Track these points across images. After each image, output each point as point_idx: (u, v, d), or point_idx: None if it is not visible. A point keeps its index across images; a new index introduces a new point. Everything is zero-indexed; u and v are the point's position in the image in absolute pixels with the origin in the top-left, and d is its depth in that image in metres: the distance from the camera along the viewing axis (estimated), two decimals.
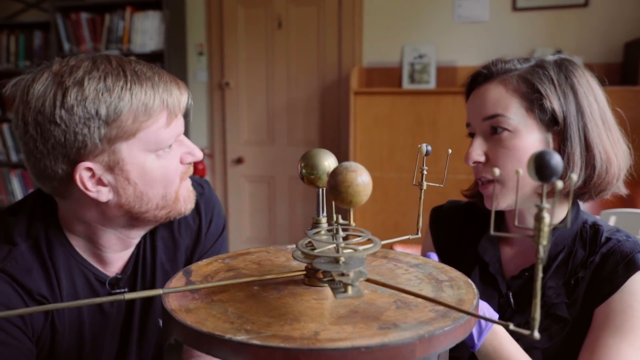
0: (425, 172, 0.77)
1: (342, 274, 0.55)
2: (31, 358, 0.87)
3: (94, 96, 0.80)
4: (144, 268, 1.00)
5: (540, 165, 0.44)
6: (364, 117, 3.13)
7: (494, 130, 0.93)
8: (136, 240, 0.98)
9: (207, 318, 0.56)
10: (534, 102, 0.91)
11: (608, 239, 0.93)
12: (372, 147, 3.14)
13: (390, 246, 1.60)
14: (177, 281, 0.68)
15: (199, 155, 0.94)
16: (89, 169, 0.83)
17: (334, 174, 0.54)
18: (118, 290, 0.97)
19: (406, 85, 3.36)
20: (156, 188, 0.88)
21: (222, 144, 3.86)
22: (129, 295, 0.57)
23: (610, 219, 1.69)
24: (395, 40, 3.41)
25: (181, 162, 0.92)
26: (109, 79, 0.81)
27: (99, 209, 0.89)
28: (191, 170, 0.96)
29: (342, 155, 3.48)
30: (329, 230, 0.67)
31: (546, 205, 0.44)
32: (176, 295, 0.62)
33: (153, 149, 0.86)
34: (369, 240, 0.62)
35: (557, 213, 0.97)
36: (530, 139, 0.92)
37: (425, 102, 3.05)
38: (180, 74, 3.71)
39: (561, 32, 3.14)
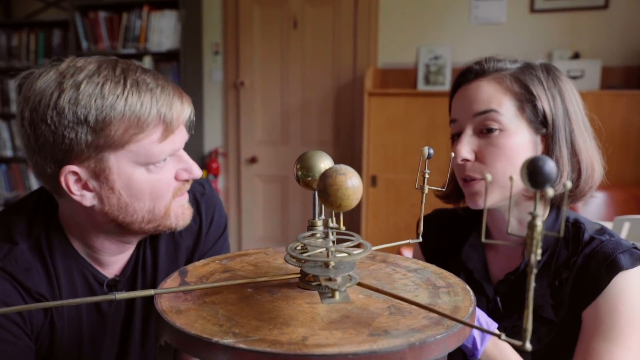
0: (427, 176, 0.75)
1: (329, 279, 0.54)
2: (30, 355, 0.87)
3: (86, 102, 0.79)
4: (145, 270, 0.99)
5: (533, 172, 0.42)
6: (378, 118, 3.11)
7: (485, 128, 0.92)
8: (133, 245, 0.97)
9: (196, 320, 0.55)
10: (525, 102, 0.91)
11: (591, 239, 0.92)
12: (386, 148, 3.12)
13: (398, 250, 1.59)
14: (172, 281, 0.68)
15: (196, 173, 0.90)
16: (75, 172, 0.83)
17: (324, 176, 0.53)
18: (114, 292, 0.96)
19: (421, 86, 3.34)
20: (142, 201, 0.86)
21: (236, 143, 3.87)
22: (120, 295, 0.57)
23: (624, 226, 1.66)
24: (410, 41, 3.39)
25: (176, 178, 0.89)
26: (106, 85, 0.80)
27: (87, 213, 0.88)
28: (187, 186, 0.93)
29: (355, 156, 3.47)
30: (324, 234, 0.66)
31: (539, 213, 0.43)
32: (169, 296, 0.62)
33: (143, 163, 0.84)
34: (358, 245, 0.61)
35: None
36: (520, 139, 0.91)
37: (440, 103, 3.02)
38: (195, 73, 3.74)
39: (579, 35, 3.09)
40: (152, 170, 0.85)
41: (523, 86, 0.92)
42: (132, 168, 0.84)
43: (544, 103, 0.91)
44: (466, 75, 0.97)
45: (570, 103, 0.93)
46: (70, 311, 0.93)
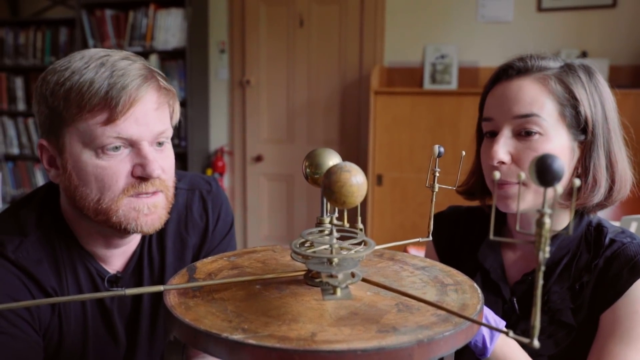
0: (437, 174, 0.75)
1: (331, 276, 0.54)
2: (38, 351, 0.88)
3: (50, 77, 0.84)
4: (151, 266, 0.99)
5: (541, 170, 0.42)
6: (384, 117, 3.11)
7: (524, 131, 0.88)
8: (124, 242, 0.95)
9: (205, 316, 0.56)
10: (567, 106, 0.87)
11: (612, 241, 0.90)
12: (392, 147, 3.12)
13: (404, 248, 1.59)
14: (180, 278, 0.68)
15: (151, 171, 0.83)
16: (45, 147, 0.87)
17: (328, 173, 0.53)
18: (116, 288, 0.93)
19: (427, 85, 3.33)
20: (89, 187, 0.83)
21: (241, 142, 3.88)
22: (130, 291, 0.57)
23: (632, 225, 1.65)
24: (417, 40, 3.38)
25: (132, 174, 0.84)
26: (75, 62, 0.83)
27: (64, 197, 0.91)
28: (146, 187, 0.85)
29: (361, 155, 3.47)
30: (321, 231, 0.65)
31: (548, 210, 0.43)
32: (177, 292, 0.62)
33: (89, 144, 0.82)
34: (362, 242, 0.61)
35: (562, 217, 0.95)
36: (559, 144, 0.88)
37: (447, 102, 3.02)
38: (201, 71, 3.74)
39: (587, 34, 3.08)
40: (101, 157, 0.83)
41: (567, 89, 0.87)
42: (81, 148, 0.83)
43: (586, 108, 0.87)
44: (507, 72, 0.92)
45: (610, 109, 0.89)
46: (76, 306, 0.93)
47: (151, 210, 0.87)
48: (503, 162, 0.89)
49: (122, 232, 0.87)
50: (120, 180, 0.84)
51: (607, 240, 0.91)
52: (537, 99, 0.87)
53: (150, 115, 0.84)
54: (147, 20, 3.63)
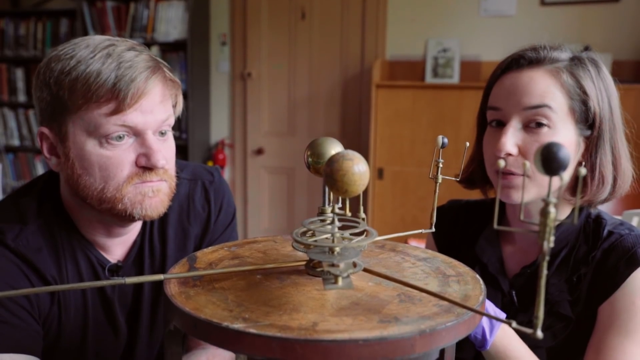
0: (441, 165, 0.75)
1: (332, 265, 0.54)
2: (38, 340, 0.88)
3: (55, 65, 0.83)
4: (152, 256, 0.99)
5: (547, 158, 0.42)
6: (385, 110, 3.10)
7: (533, 123, 0.86)
8: (125, 230, 0.95)
9: (206, 305, 0.55)
10: (577, 100, 0.86)
11: (610, 233, 0.90)
12: (393, 140, 3.11)
13: (405, 240, 1.59)
14: (180, 267, 0.68)
15: (155, 161, 0.84)
16: (46, 134, 0.86)
17: (330, 161, 0.52)
18: (117, 277, 0.92)
19: (429, 79, 3.32)
20: (93, 177, 0.83)
21: (242, 135, 3.87)
22: (130, 280, 0.57)
23: (634, 220, 1.65)
24: (419, 34, 3.37)
25: (136, 164, 0.85)
26: (81, 51, 0.83)
27: (65, 185, 0.90)
28: (150, 175, 0.86)
29: (362, 148, 3.47)
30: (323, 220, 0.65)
31: (553, 199, 0.43)
32: (178, 281, 0.62)
33: (93, 134, 0.82)
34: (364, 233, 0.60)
35: (562, 209, 0.95)
36: (566, 138, 0.86)
37: (448, 96, 3.01)
38: (202, 63, 3.73)
39: (590, 28, 3.07)
40: (105, 146, 0.83)
41: (578, 83, 0.86)
42: (85, 137, 0.83)
43: (595, 103, 0.86)
44: (518, 62, 0.90)
45: (615, 104, 0.88)
46: (76, 295, 0.93)
47: (155, 193, 0.87)
48: (510, 154, 0.88)
49: (127, 219, 0.87)
50: (125, 169, 0.84)
51: (605, 232, 0.90)
52: (549, 91, 0.86)
53: (156, 107, 0.85)
54: (148, 12, 3.62)
